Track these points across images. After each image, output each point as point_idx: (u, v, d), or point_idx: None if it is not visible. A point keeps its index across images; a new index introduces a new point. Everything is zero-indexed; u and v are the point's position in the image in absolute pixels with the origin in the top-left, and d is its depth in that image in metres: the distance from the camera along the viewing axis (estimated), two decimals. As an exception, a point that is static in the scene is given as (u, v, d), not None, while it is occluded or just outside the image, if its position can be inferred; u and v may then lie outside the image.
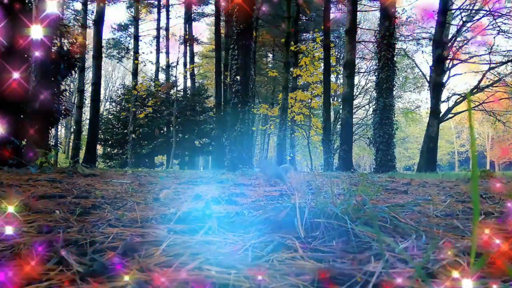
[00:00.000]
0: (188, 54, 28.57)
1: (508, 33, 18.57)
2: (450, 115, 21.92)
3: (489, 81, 20.74)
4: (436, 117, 18.26)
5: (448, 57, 20.35)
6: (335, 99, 29.82)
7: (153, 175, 6.07)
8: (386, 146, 15.88)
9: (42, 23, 7.83)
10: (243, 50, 14.33)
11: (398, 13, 21.53)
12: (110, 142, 26.84)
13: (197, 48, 34.50)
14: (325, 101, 19.17)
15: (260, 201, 2.29)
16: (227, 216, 1.52)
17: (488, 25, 19.15)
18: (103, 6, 18.79)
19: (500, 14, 18.32)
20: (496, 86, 20.54)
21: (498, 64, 20.29)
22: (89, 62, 26.40)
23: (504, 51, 20.82)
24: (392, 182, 5.32)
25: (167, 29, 27.93)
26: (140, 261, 0.92)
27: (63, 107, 10.61)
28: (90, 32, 21.88)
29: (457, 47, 21.69)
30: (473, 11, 19.95)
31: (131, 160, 23.36)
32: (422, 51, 26.09)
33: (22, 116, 8.71)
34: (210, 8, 32.37)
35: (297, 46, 23.25)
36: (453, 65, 22.72)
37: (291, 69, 23.13)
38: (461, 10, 20.10)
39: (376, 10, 25.11)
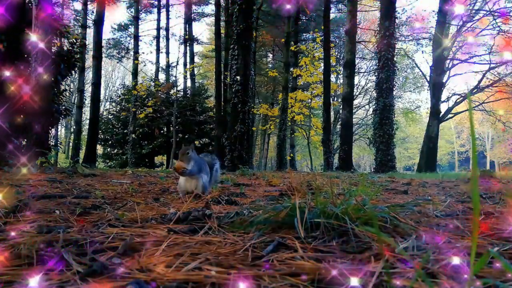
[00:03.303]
0: (188, 54, 28.56)
1: (508, 33, 18.55)
2: (450, 115, 21.93)
3: (489, 81, 20.74)
4: (436, 117, 18.25)
5: (448, 57, 20.35)
6: (335, 99, 29.80)
7: (153, 175, 6.07)
8: (386, 146, 15.88)
9: (42, 23, 7.83)
10: (243, 50, 14.33)
11: (398, 13, 21.52)
12: (110, 142, 26.82)
13: (197, 48, 34.52)
14: (325, 101, 19.16)
15: (260, 201, 2.29)
16: (227, 216, 1.52)
17: (488, 25, 19.15)
18: (104, 6, 18.78)
19: (500, 14, 18.31)
20: (496, 86, 20.53)
21: (498, 64, 20.29)
22: (89, 62, 26.38)
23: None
24: (392, 182, 5.32)
25: (167, 29, 27.92)
26: (140, 261, 0.92)
27: (63, 107, 10.60)
28: (90, 32, 21.89)
29: (457, 47, 21.70)
30: (473, 11, 19.94)
31: (131, 160, 23.34)
32: (422, 51, 26.10)
33: (22, 116, 8.71)
34: (210, 8, 32.39)
35: (297, 46, 23.24)
36: (453, 65, 22.72)
37: (291, 69, 23.12)
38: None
39: (376, 10, 25.10)
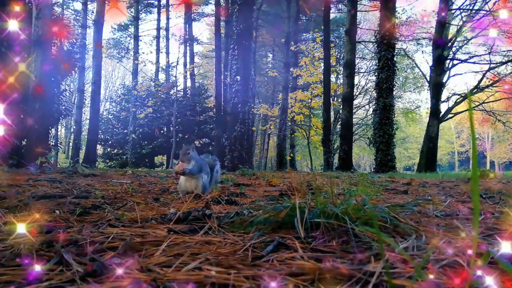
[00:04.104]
0: (188, 54, 28.56)
1: (508, 33, 18.54)
2: (450, 115, 21.90)
3: (489, 81, 20.72)
4: (436, 117, 18.25)
5: (448, 57, 20.35)
6: (335, 99, 29.79)
7: (153, 175, 6.07)
8: (386, 146, 15.88)
9: (42, 23, 7.83)
10: (243, 50, 14.33)
11: (398, 13, 21.53)
12: (110, 142, 26.83)
13: (197, 48, 34.52)
14: (325, 101, 19.16)
15: (260, 201, 2.29)
16: (227, 216, 1.52)
17: (488, 25, 19.12)
18: (103, 6, 18.78)
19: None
20: (496, 86, 20.52)
21: (498, 64, 20.28)
22: (89, 62, 26.40)
23: (504, 51, 20.80)
24: (392, 182, 5.32)
25: (167, 29, 27.93)
26: (140, 261, 0.92)
27: (63, 107, 10.61)
28: (90, 32, 21.90)
29: (457, 47, 21.69)
30: (473, 11, 19.93)
31: (131, 160, 23.34)
32: (422, 51, 26.08)
33: (22, 116, 8.71)
34: (210, 8, 32.37)
35: (297, 46, 23.24)
36: (453, 65, 22.70)
37: (291, 69, 23.12)
38: (461, 10, 20.08)
39: (376, 10, 25.08)
